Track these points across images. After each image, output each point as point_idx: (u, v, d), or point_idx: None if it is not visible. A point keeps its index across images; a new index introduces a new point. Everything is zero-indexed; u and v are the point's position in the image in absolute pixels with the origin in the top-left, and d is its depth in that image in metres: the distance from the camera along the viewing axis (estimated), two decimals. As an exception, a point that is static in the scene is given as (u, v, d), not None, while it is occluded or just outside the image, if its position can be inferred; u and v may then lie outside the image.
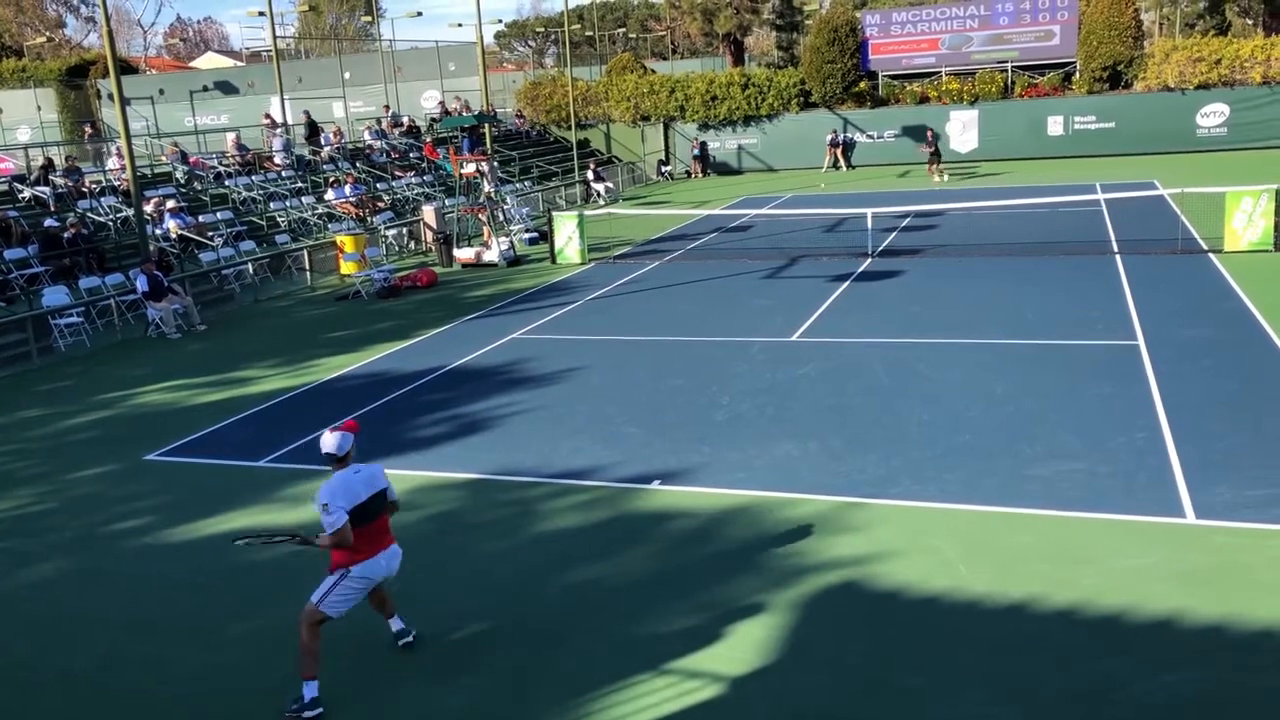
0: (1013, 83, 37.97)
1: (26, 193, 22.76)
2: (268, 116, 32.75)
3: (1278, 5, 42.45)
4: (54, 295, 17.62)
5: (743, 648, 6.49)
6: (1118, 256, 18.28)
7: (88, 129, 34.76)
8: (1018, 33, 37.93)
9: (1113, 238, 20.21)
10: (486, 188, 24.17)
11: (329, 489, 6.05)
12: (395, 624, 6.83)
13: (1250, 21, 54.23)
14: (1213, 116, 34.99)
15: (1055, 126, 36.64)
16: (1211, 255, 17.74)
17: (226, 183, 26.54)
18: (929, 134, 34.21)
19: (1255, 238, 17.86)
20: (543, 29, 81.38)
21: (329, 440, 6.16)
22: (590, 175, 34.51)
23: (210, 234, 22.39)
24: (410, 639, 6.77)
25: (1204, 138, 35.13)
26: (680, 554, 7.88)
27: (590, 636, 6.79)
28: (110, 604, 7.73)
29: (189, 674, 6.66)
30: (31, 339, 16.23)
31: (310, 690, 6.12)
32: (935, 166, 33.05)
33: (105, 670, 6.81)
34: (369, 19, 66.20)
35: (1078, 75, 37.23)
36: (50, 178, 23.41)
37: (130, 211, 21.41)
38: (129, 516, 9.43)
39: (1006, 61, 38.09)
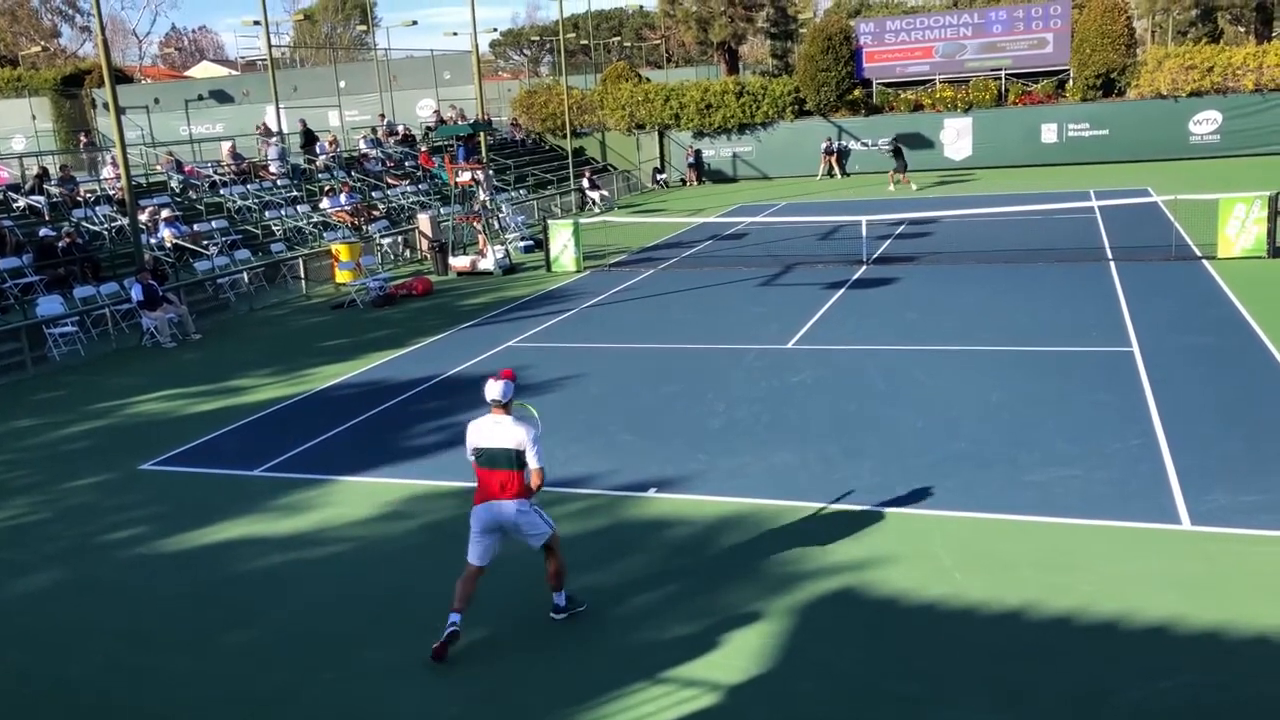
0: (1007, 90, 38.10)
1: (21, 202, 22.74)
2: (260, 125, 32.77)
3: (1269, 13, 42.66)
4: (48, 305, 17.59)
5: (739, 655, 6.49)
6: (1112, 263, 18.33)
7: (82, 138, 34.72)
8: (1011, 41, 38.07)
9: (1107, 244, 20.27)
10: (482, 196, 24.18)
11: (469, 427, 6.80)
12: (556, 599, 7.07)
13: (1242, 29, 54.49)
14: (1205, 124, 35.13)
15: (1049, 134, 36.76)
16: (1205, 262, 17.79)
17: (222, 191, 26.54)
18: (896, 144, 34.23)
19: (1249, 244, 17.92)
20: (538, 38, 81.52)
21: (493, 387, 6.67)
22: (585, 183, 34.55)
23: (205, 243, 22.38)
24: (560, 615, 7.04)
25: (1197, 145, 35.26)
26: (676, 561, 7.87)
27: (587, 644, 6.78)
28: (105, 614, 7.71)
29: (183, 684, 6.64)
30: (26, 348, 16.19)
31: (451, 618, 6.70)
32: (903, 176, 33.07)
33: (100, 681, 6.78)
34: (364, 28, 66.30)
35: (1071, 83, 37.37)
36: (45, 187, 23.38)
37: (125, 220, 21.39)
38: (123, 526, 9.41)
39: (1000, 69, 38.23)
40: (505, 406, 6.67)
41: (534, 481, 6.66)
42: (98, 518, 9.67)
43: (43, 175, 23.89)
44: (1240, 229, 17.97)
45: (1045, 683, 5.99)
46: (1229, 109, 34.70)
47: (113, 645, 7.23)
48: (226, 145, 29.88)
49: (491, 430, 6.64)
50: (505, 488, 6.64)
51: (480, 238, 23.80)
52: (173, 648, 7.11)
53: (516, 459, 6.60)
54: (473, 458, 6.75)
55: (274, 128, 31.47)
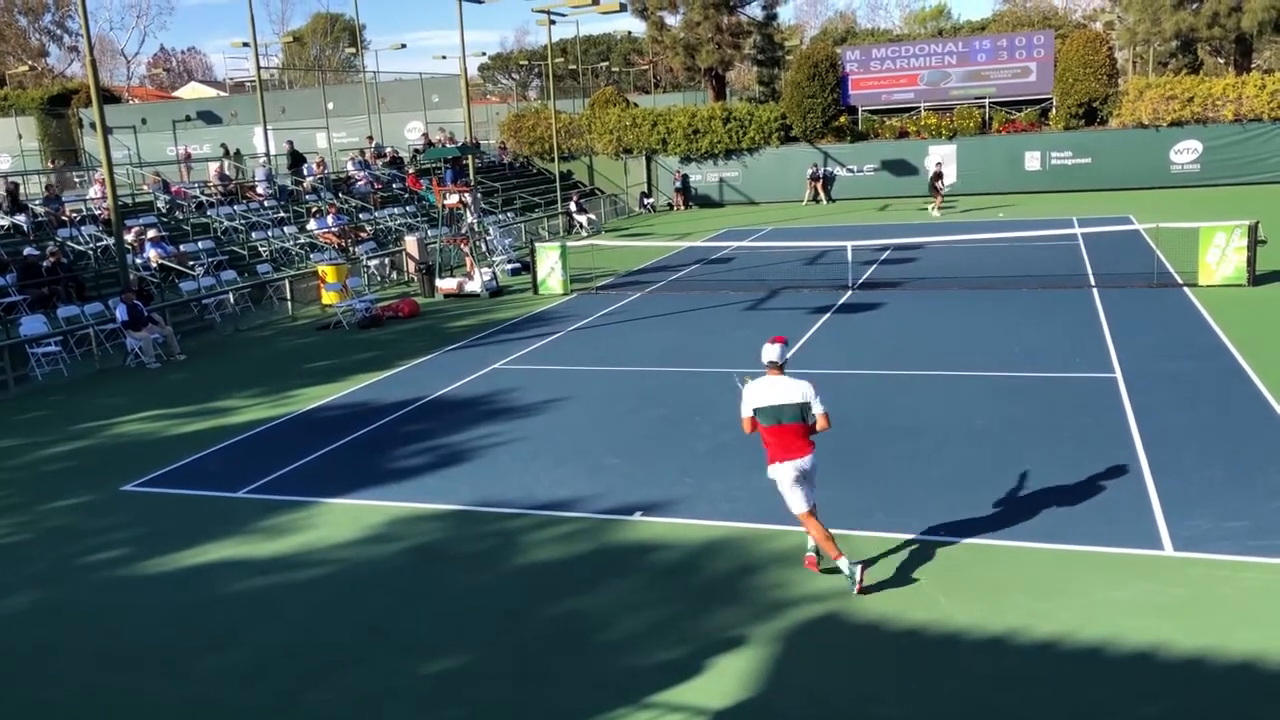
0: (990, 118, 38.49)
1: (4, 221, 22.64)
2: (223, 146, 32.82)
3: (1249, 45, 43.25)
4: (32, 324, 17.50)
5: (725, 680, 6.47)
6: (1095, 290, 18.48)
7: (58, 162, 34.62)
8: (995, 69, 38.50)
9: (1090, 271, 20.44)
10: (469, 218, 24.23)
11: (746, 388, 7.57)
12: (842, 566, 7.48)
13: (1222, 60, 55.18)
14: (1186, 153, 35.55)
15: (1033, 162, 37.11)
16: (1186, 289, 17.96)
17: (209, 212, 26.51)
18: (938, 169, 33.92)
19: (1229, 272, 18.11)
20: (526, 62, 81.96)
21: (770, 349, 7.52)
22: (573, 207, 34.66)
23: (191, 263, 22.32)
24: (854, 583, 7.42)
25: (1178, 174, 35.66)
26: (662, 586, 7.86)
27: (572, 669, 6.75)
28: (84, 636, 7.63)
29: (163, 707, 6.57)
30: (8, 368, 16.08)
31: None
32: (936, 200, 33.00)
33: (78, 704, 6.70)
34: (353, 50, 66.48)
35: (1054, 111, 37.78)
36: (28, 204, 23.19)
37: (111, 240, 21.33)
38: (105, 548, 9.33)
39: (984, 97, 38.63)
40: (780, 368, 7.45)
41: (821, 425, 7.42)
42: (79, 539, 9.59)
43: (13, 193, 23.34)
44: (1221, 257, 18.16)
45: (1029, 708, 6.00)
46: (1209, 139, 35.14)
47: (91, 668, 7.15)
48: (214, 166, 29.89)
49: (771, 389, 7.39)
50: (799, 438, 7.38)
51: (467, 260, 23.82)
52: (153, 670, 7.04)
53: (803, 411, 7.35)
54: (747, 415, 7.48)
55: (252, 150, 31.50)
